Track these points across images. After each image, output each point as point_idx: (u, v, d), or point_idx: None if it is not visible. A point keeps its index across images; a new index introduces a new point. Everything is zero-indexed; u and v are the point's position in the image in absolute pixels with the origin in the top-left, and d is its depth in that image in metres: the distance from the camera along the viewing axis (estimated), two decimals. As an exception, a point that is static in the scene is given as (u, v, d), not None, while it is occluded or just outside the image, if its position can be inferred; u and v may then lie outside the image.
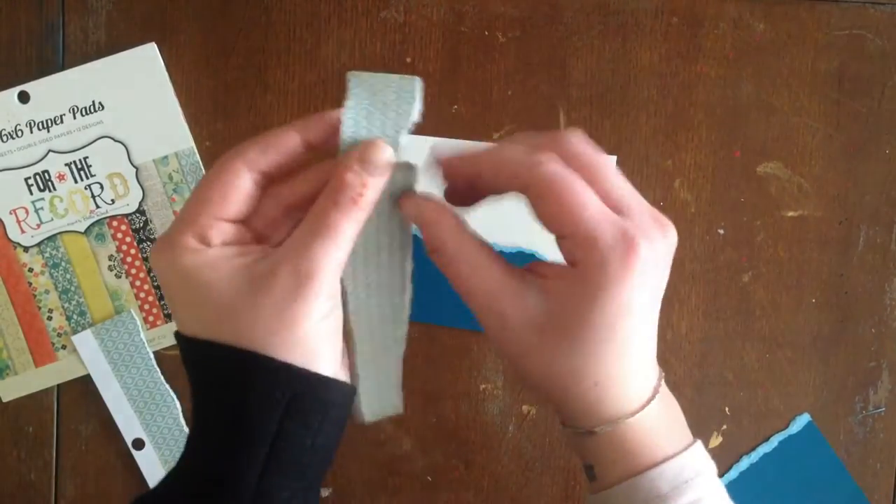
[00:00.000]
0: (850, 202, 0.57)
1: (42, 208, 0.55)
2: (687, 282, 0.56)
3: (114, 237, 0.56)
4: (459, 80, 0.55)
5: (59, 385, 0.56)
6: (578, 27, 0.55)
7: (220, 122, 0.55)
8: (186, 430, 0.56)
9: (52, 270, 0.55)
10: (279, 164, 0.35)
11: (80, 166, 0.55)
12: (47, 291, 0.56)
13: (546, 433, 0.57)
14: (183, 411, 0.56)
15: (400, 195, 0.36)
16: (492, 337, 0.36)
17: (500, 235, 0.55)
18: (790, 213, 0.57)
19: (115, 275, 0.56)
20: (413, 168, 0.36)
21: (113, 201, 0.55)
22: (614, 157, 0.56)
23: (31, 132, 0.54)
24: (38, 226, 0.55)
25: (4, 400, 0.56)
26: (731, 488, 0.57)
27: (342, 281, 0.35)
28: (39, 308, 0.56)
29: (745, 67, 0.56)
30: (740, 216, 0.56)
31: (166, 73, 0.55)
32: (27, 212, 0.55)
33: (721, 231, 0.57)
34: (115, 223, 0.56)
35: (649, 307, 0.35)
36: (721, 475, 0.57)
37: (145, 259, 0.56)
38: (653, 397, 0.36)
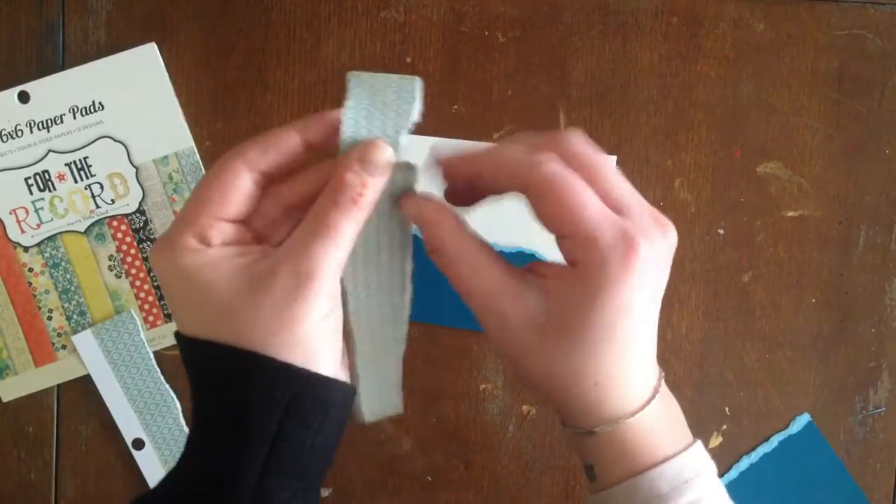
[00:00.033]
0: (850, 202, 0.57)
1: (42, 208, 0.55)
2: (687, 282, 0.56)
3: (114, 237, 0.56)
4: (459, 80, 0.55)
5: (59, 385, 0.56)
6: (578, 27, 0.55)
7: (220, 122, 0.55)
8: (186, 430, 0.56)
9: (52, 270, 0.55)
10: (279, 164, 0.35)
11: (80, 166, 0.55)
12: (47, 291, 0.56)
13: (546, 433, 0.57)
14: (183, 411, 0.56)
15: (400, 195, 0.36)
16: (492, 337, 0.36)
17: (500, 235, 0.55)
18: (790, 213, 0.57)
19: (115, 275, 0.56)
20: (413, 168, 0.36)
21: (113, 201, 0.55)
22: (614, 157, 0.56)
23: (31, 132, 0.54)
24: (38, 226, 0.55)
25: (4, 400, 0.56)
26: (731, 488, 0.57)
27: (342, 281, 0.35)
28: (39, 308, 0.56)
29: (745, 67, 0.56)
30: (740, 216, 0.56)
31: (166, 73, 0.55)
32: (27, 212, 0.55)
33: (721, 231, 0.57)
34: (115, 223, 0.56)
35: (649, 307, 0.35)
36: (721, 475, 0.57)
37: (145, 259, 0.56)
38: (653, 397, 0.36)
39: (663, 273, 0.35)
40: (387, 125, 0.34)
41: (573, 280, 0.34)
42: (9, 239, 0.55)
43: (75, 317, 0.56)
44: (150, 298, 0.56)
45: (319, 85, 0.55)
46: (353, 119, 0.34)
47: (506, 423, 0.57)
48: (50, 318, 0.56)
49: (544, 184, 0.33)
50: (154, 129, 0.55)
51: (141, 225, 0.56)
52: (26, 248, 0.55)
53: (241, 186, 0.34)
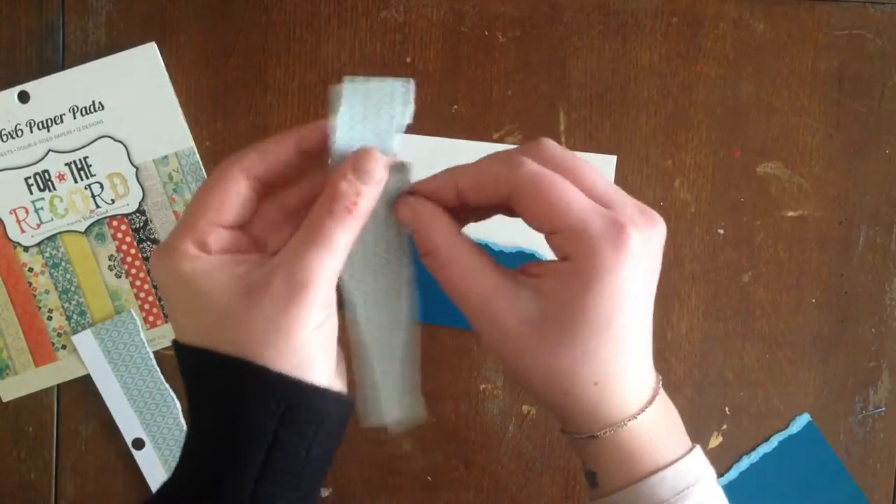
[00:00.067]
0: (850, 202, 0.57)
1: (42, 208, 0.55)
2: (687, 282, 0.56)
3: (114, 237, 0.56)
4: (459, 80, 0.55)
5: (59, 385, 0.56)
6: (578, 27, 0.55)
7: (220, 122, 0.55)
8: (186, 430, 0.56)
9: (52, 270, 0.55)
10: (277, 171, 0.35)
11: (80, 166, 0.55)
12: (47, 291, 0.56)
13: (546, 433, 0.57)
14: (183, 411, 0.56)
15: (396, 198, 0.36)
16: (487, 341, 0.36)
17: (499, 235, 0.55)
18: (790, 213, 0.57)
19: (115, 275, 0.56)
20: (407, 167, 0.36)
21: (113, 201, 0.55)
22: (614, 157, 0.56)
23: (31, 132, 0.54)
24: (38, 226, 0.55)
25: (4, 400, 0.56)
26: (731, 488, 0.57)
27: (341, 288, 0.35)
28: (39, 308, 0.56)
29: (745, 67, 0.56)
30: (740, 216, 0.56)
31: (166, 73, 0.55)
32: (27, 211, 0.55)
33: (721, 231, 0.56)
34: (115, 223, 0.56)
35: (643, 297, 0.34)
36: (721, 475, 0.57)
37: (145, 259, 0.56)
38: (652, 399, 0.36)
39: (655, 264, 0.35)
40: (380, 128, 0.34)
41: (566, 274, 0.34)
42: (9, 239, 0.55)
43: (75, 317, 0.56)
44: (150, 298, 0.56)
45: (319, 85, 0.55)
46: (346, 124, 0.34)
47: (506, 423, 0.57)
48: (50, 318, 0.56)
49: (528, 183, 0.33)
50: (154, 128, 0.55)
51: (141, 225, 0.56)
52: (26, 248, 0.55)
53: (239, 193, 0.34)
